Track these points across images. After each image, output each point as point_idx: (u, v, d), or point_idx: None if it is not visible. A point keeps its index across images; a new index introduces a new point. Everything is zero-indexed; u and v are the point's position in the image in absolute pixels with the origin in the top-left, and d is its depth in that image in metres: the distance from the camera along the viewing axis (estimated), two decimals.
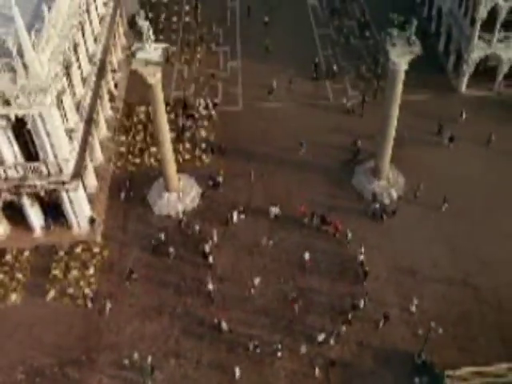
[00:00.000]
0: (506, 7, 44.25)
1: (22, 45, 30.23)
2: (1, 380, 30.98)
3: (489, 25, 45.99)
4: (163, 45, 33.47)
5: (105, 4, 49.54)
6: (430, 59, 52.66)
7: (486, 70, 49.70)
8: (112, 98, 48.95)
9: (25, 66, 30.74)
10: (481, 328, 33.28)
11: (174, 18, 60.14)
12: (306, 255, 35.87)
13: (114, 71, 50.66)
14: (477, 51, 47.03)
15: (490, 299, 34.73)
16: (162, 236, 37.82)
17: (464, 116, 45.96)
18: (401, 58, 33.53)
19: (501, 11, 44.55)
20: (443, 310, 34.03)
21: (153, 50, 32.95)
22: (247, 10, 60.05)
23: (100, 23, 47.44)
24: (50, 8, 34.30)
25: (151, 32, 32.79)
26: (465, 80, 49.17)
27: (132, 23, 58.11)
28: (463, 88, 49.62)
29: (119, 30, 54.29)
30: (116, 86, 50.54)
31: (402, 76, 34.51)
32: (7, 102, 31.78)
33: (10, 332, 33.15)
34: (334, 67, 52.33)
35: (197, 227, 38.43)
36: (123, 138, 46.24)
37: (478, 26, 45.52)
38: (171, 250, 36.89)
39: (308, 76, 51.52)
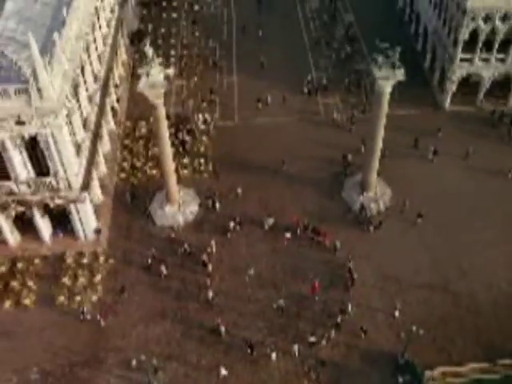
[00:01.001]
0: (486, 30, 47.26)
1: (37, 71, 32.80)
2: (16, 380, 33.50)
3: (471, 44, 49.04)
4: (167, 70, 36.10)
5: (108, 23, 52.10)
6: (417, 75, 55.67)
7: (469, 86, 52.68)
8: (114, 113, 51.57)
9: (39, 90, 33.34)
10: (458, 331, 36.11)
11: (173, 32, 62.81)
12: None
13: (116, 86, 53.26)
14: (459, 70, 49.98)
15: (467, 304, 37.60)
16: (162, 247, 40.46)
17: (441, 132, 48.76)
18: (385, 81, 36.35)
19: (481, 33, 47.54)
20: (424, 314, 36.83)
21: (157, 74, 35.58)
22: (242, 28, 62.77)
23: (103, 42, 50.01)
24: (60, 33, 36.98)
25: (156, 57, 35.40)
26: (448, 96, 52.08)
27: (132, 39, 60.96)
28: (447, 104, 52.54)
29: (120, 47, 56.87)
30: (118, 100, 53.10)
31: (387, 97, 37.37)
32: (22, 123, 34.34)
33: (24, 335, 35.68)
34: (325, 82, 55.23)
35: (190, 240, 41.02)
36: (125, 151, 48.84)
37: (460, 46, 48.47)
38: (171, 260, 39.52)
39: (300, 91, 54.31)
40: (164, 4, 67.31)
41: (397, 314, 36.39)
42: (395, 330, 35.78)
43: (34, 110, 33.76)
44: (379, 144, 40.73)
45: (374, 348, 35.11)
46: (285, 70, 56.59)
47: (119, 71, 55.60)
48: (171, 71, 36.88)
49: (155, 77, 35.26)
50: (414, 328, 32.81)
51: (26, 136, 35.27)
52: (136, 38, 61.19)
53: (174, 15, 65.63)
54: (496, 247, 40.62)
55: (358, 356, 34.83)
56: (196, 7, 67.13)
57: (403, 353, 34.07)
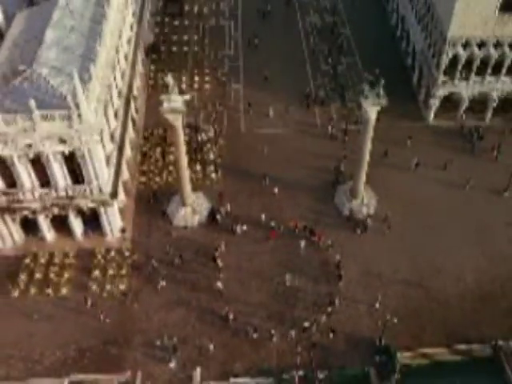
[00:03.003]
0: (465, 55, 53.32)
1: (78, 99, 39.06)
2: (59, 355, 40.36)
3: (452, 66, 55.10)
4: (185, 96, 42.35)
5: (128, 42, 58.11)
6: (405, 90, 62.25)
7: (451, 102, 58.72)
8: (133, 122, 57.82)
9: (79, 115, 39.65)
10: (429, 320, 42.85)
11: (185, 48, 68.74)
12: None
13: (134, 98, 59.42)
14: (441, 89, 56.13)
15: (438, 298, 44.32)
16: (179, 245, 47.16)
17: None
18: (371, 108, 42.62)
19: (461, 58, 53.63)
20: (401, 305, 43.58)
21: (177, 100, 41.83)
22: (247, 41, 68.71)
23: (125, 60, 56.06)
24: (94, 63, 43.22)
25: (176, 87, 41.59)
26: (432, 112, 58.29)
27: (148, 52, 66.95)
28: (431, 118, 58.76)
29: (138, 60, 62.83)
30: (137, 110, 59.32)
31: (373, 122, 43.66)
32: (64, 141, 40.73)
33: (63, 319, 42.48)
34: (322, 96, 61.38)
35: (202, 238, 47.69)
36: (144, 157, 55.19)
37: (442, 69, 54.56)
38: (186, 256, 46.18)
39: (300, 104, 60.49)
40: (177, 19, 73.11)
41: (377, 305, 43.11)
42: (375, 319, 42.51)
43: (74, 131, 40.13)
44: (366, 158, 47.01)
45: (357, 333, 41.92)
46: (286, 83, 62.74)
47: (137, 83, 61.69)
48: (188, 97, 43.02)
49: (175, 103, 41.54)
50: (389, 317, 39.66)
51: (66, 151, 41.67)
52: (151, 51, 67.31)
53: (186, 30, 71.51)
54: (465, 249, 47.27)
55: (343, 340, 41.64)
56: (206, 22, 72.88)
57: (380, 338, 40.90)
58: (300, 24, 72.60)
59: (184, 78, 63.59)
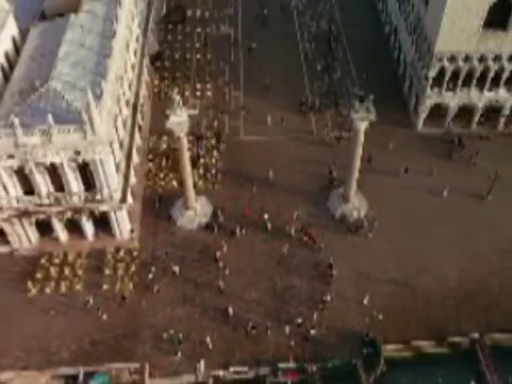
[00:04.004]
0: (451, 68, 56.80)
1: (92, 114, 42.62)
2: (74, 347, 44.24)
3: (439, 78, 58.56)
4: (191, 111, 45.92)
5: (135, 53, 61.54)
6: (397, 98, 65.82)
7: (440, 110, 62.15)
8: (140, 128, 61.38)
9: (92, 129, 43.24)
10: (413, 316, 46.64)
11: (188, 55, 72.21)
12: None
13: (141, 106, 62.91)
14: (429, 99, 59.66)
15: (422, 296, 48.06)
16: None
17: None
18: (361, 121, 46.21)
19: (447, 71, 57.12)
20: (388, 303, 47.37)
21: (182, 114, 45.41)
22: (248, 49, 72.12)
23: (132, 71, 59.51)
24: (105, 79, 46.76)
25: (181, 101, 45.19)
26: (421, 120, 61.81)
27: (152, 60, 70.34)
28: (420, 126, 62.31)
29: (144, 69, 66.27)
30: (142, 117, 62.87)
31: (362, 134, 47.25)
32: (78, 152, 44.36)
33: (77, 313, 46.32)
34: (318, 104, 64.88)
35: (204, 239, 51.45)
36: (150, 163, 58.84)
37: (429, 82, 58.07)
38: (189, 256, 49.95)
39: (297, 111, 63.98)
40: (179, 26, 76.57)
41: (366, 302, 46.90)
42: (363, 316, 46.31)
43: (87, 142, 43.75)
44: (357, 166, 50.62)
45: (347, 328, 45.72)
46: (284, 92, 66.15)
47: (143, 91, 65.14)
48: (193, 112, 46.61)
49: (180, 117, 45.13)
50: (375, 313, 43.48)
51: (80, 161, 45.31)
52: (156, 59, 70.73)
53: (189, 37, 74.96)
54: (449, 251, 50.98)
55: (333, 334, 45.47)
56: (207, 29, 76.35)
57: (368, 332, 44.73)
58: (298, 32, 75.84)
59: (187, 86, 67.17)
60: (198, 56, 72.16)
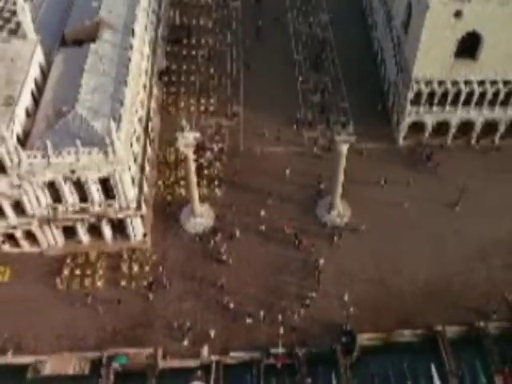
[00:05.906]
0: (426, 91, 63.98)
1: (113, 138, 50.07)
2: (98, 334, 52.26)
3: (418, 98, 65.67)
4: (196, 134, 53.38)
5: (146, 72, 68.62)
6: (382, 114, 72.79)
7: (420, 126, 69.26)
8: (150, 141, 68.71)
9: (113, 150, 50.73)
10: (386, 311, 54.41)
11: (192, 69, 79.20)
12: None
13: (151, 119, 70.19)
14: (408, 117, 66.90)
15: (395, 293, 55.84)
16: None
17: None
18: (343, 143, 53.63)
19: (423, 93, 64.31)
20: (364, 299, 55.15)
21: (189, 136, 52.86)
22: (248, 66, 79.15)
23: (143, 89, 66.67)
24: (123, 104, 54.14)
25: (188, 126, 52.71)
26: (401, 134, 69.05)
27: (160, 76, 77.38)
28: (400, 140, 69.59)
29: (153, 85, 73.31)
30: (152, 130, 70.15)
31: (344, 155, 54.65)
32: (100, 170, 51.93)
33: (99, 306, 54.20)
34: (310, 119, 72.05)
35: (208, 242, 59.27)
36: (160, 173, 66.32)
37: (408, 102, 65.27)
38: (195, 257, 57.79)
39: (291, 126, 71.22)
40: (184, 42, 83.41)
41: (346, 298, 54.71)
42: (343, 310, 54.14)
43: (108, 162, 51.28)
44: (340, 180, 58.03)
45: (328, 320, 53.60)
46: (279, 107, 73.15)
47: (152, 105, 72.36)
48: (198, 135, 54.08)
49: (187, 139, 52.63)
50: (353, 308, 51.47)
51: (101, 176, 52.88)
52: (164, 75, 77.79)
53: (193, 52, 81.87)
54: (420, 253, 58.66)
55: (317, 325, 53.40)
56: (209, 45, 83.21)
57: (346, 324, 52.66)
58: (294, 51, 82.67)
59: (192, 101, 74.41)
60: (202, 69, 78.86)
